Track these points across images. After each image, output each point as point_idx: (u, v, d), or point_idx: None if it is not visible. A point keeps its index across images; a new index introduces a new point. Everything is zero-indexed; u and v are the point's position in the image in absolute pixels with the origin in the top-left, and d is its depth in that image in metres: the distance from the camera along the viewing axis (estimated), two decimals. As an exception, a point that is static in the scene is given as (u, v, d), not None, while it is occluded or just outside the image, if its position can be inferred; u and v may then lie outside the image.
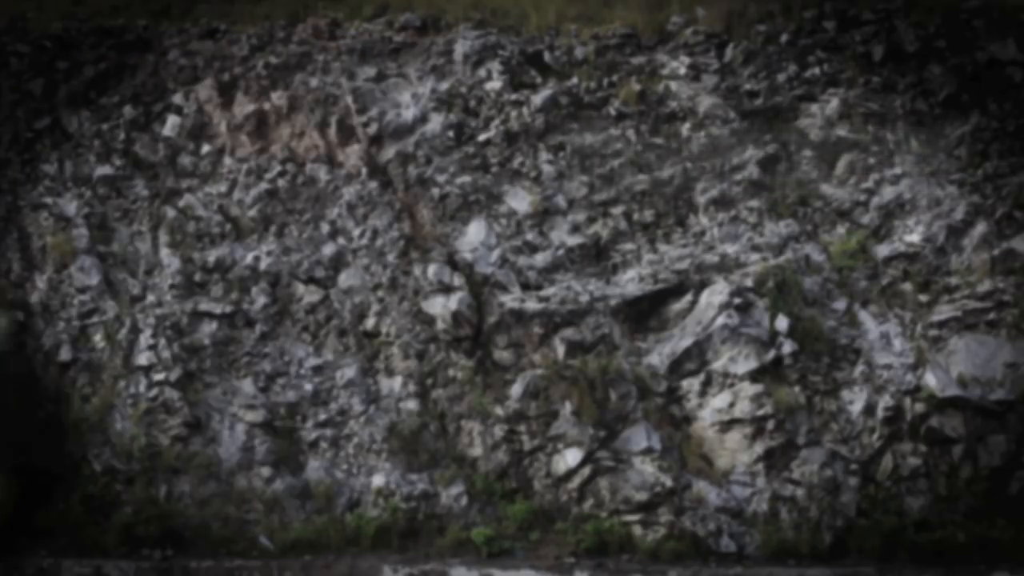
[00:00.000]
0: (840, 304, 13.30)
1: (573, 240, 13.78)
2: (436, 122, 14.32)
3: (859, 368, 12.97)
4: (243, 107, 14.58)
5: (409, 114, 14.33)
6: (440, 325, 13.39)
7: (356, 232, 13.96)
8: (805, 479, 12.55)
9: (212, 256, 13.90)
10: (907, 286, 13.36)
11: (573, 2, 15.36)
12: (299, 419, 13.32)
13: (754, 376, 12.85)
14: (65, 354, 13.49)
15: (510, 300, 13.38)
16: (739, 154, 14.08)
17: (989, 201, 13.50)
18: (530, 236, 13.79)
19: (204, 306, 13.69)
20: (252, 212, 14.13)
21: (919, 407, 12.68)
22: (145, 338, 13.43)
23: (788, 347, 12.91)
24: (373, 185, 14.12)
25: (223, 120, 14.60)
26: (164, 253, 13.96)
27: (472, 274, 13.56)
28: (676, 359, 13.04)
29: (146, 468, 12.95)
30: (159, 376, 13.27)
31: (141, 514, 12.69)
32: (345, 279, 13.83)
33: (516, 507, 12.84)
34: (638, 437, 12.84)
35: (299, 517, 12.90)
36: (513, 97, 14.45)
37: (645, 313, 13.35)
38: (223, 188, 14.28)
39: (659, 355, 13.12)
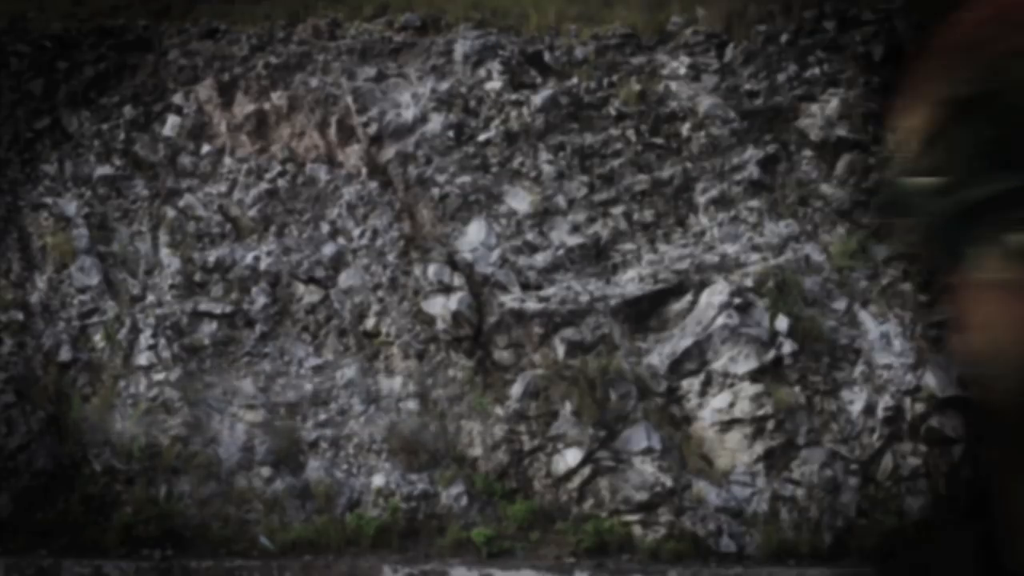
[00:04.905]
0: (840, 304, 13.30)
1: (573, 240, 13.77)
2: (436, 122, 14.32)
3: (859, 368, 12.97)
4: (243, 107, 14.59)
5: (409, 114, 14.33)
6: (440, 325, 13.38)
7: (356, 232, 13.96)
8: (805, 479, 12.54)
9: (212, 256, 13.91)
10: (907, 286, 13.36)
11: (573, 2, 15.36)
12: (299, 419, 13.32)
13: (754, 376, 12.85)
14: (65, 354, 13.48)
15: (510, 300, 13.38)
16: (739, 154, 14.08)
17: (989, 201, 13.48)
18: (530, 236, 13.79)
19: (204, 306, 13.69)
20: (252, 212, 14.14)
21: (919, 407, 12.69)
22: (145, 338, 13.44)
23: (788, 347, 12.90)
24: (373, 185, 14.13)
25: (223, 120, 14.61)
26: (164, 253, 13.96)
27: (472, 274, 13.56)
28: (676, 359, 13.03)
29: (146, 468, 12.95)
30: (159, 376, 13.27)
31: (141, 514, 12.69)
32: (345, 279, 13.83)
33: (516, 507, 12.83)
34: (638, 437, 12.83)
35: (299, 517, 12.90)
36: (513, 97, 14.44)
37: (645, 313, 13.34)
38: (223, 188, 14.28)
39: (659, 355, 13.11)
